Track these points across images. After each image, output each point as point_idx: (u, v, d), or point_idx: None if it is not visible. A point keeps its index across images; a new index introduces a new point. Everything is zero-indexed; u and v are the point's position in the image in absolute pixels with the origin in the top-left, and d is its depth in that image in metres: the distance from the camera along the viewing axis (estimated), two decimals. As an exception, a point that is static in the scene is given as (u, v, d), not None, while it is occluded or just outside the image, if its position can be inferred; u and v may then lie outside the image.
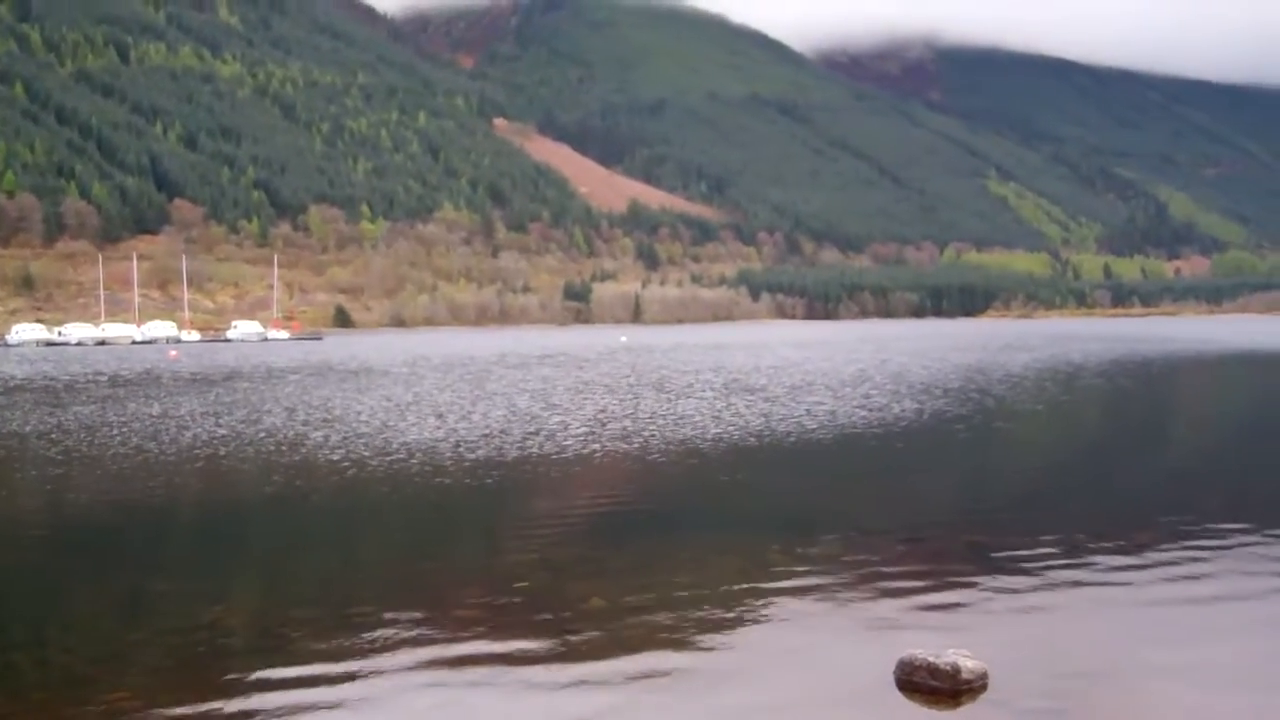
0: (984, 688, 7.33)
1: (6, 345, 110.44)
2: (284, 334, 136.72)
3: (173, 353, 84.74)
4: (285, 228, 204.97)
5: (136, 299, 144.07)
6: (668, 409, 27.92)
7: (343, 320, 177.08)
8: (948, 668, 7.34)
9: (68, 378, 49.45)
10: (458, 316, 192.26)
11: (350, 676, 7.84)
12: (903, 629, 8.65)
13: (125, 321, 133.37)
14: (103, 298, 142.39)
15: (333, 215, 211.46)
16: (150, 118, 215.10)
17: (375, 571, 11.41)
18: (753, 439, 21.52)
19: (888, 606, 9.35)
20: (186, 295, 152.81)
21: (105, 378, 48.70)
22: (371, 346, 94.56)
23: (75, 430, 24.79)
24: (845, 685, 7.56)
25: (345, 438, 22.36)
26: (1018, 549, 11.40)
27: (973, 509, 14.58)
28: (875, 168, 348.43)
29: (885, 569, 10.68)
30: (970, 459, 20.10)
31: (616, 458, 19.39)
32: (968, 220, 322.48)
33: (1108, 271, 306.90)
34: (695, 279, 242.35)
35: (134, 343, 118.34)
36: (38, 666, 8.39)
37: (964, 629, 8.59)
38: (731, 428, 23.33)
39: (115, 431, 24.30)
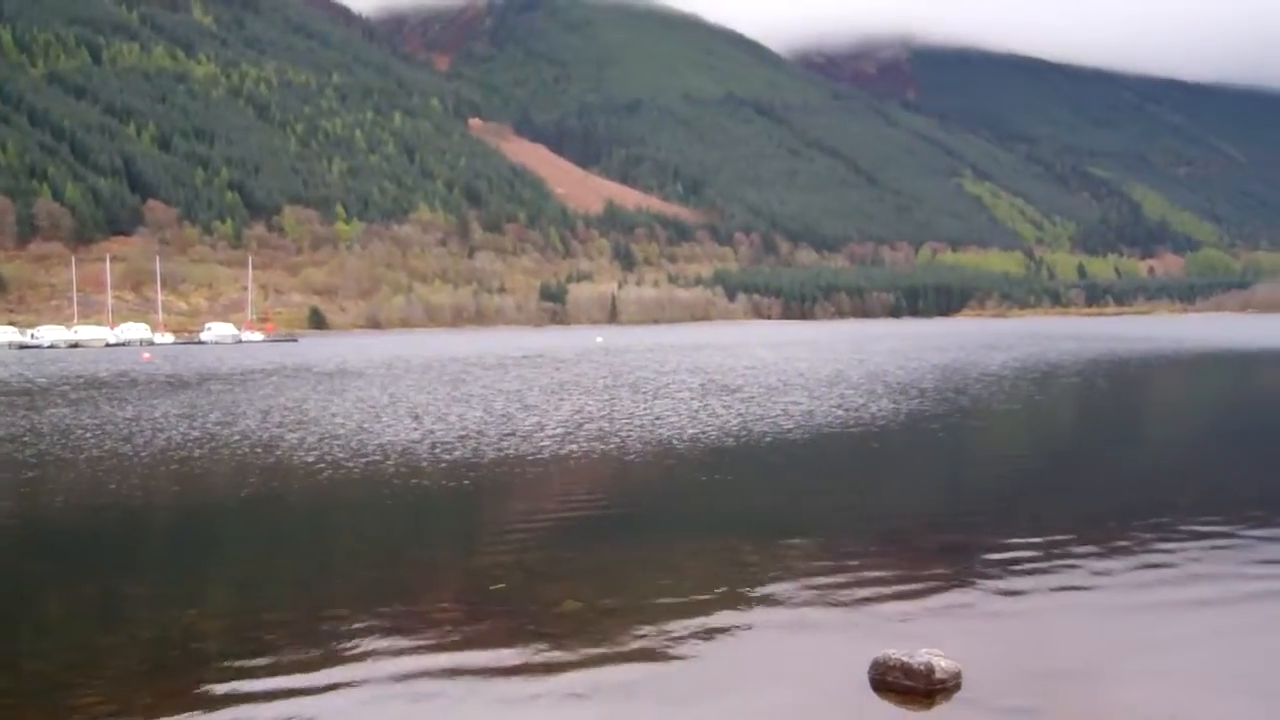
0: (958, 687, 7.36)
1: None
2: (258, 336, 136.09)
3: (146, 355, 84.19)
4: (259, 229, 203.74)
5: (110, 301, 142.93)
6: (644, 410, 27.94)
7: (318, 322, 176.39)
8: (921, 667, 7.36)
9: (41, 380, 49.09)
10: (433, 318, 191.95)
11: (324, 680, 7.82)
12: (877, 629, 8.67)
13: (99, 324, 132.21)
14: (76, 300, 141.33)
15: (307, 216, 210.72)
16: (123, 118, 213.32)
17: (350, 574, 11.36)
18: (729, 439, 21.54)
19: (862, 607, 9.38)
20: (160, 297, 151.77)
21: (79, 380, 48.36)
22: (347, 348, 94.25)
23: (48, 433, 24.63)
24: (819, 685, 7.59)
25: (320, 439, 22.28)
26: (992, 549, 11.47)
27: (947, 509, 14.65)
28: (851, 168, 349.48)
29: (860, 569, 10.69)
30: (946, 459, 20.19)
31: (593, 459, 19.37)
32: (943, 220, 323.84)
33: (1082, 271, 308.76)
34: (672, 279, 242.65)
35: (107, 345, 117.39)
36: (8, 671, 8.32)
37: (938, 629, 8.61)
38: (708, 428, 23.35)
39: (89, 434, 24.14)
